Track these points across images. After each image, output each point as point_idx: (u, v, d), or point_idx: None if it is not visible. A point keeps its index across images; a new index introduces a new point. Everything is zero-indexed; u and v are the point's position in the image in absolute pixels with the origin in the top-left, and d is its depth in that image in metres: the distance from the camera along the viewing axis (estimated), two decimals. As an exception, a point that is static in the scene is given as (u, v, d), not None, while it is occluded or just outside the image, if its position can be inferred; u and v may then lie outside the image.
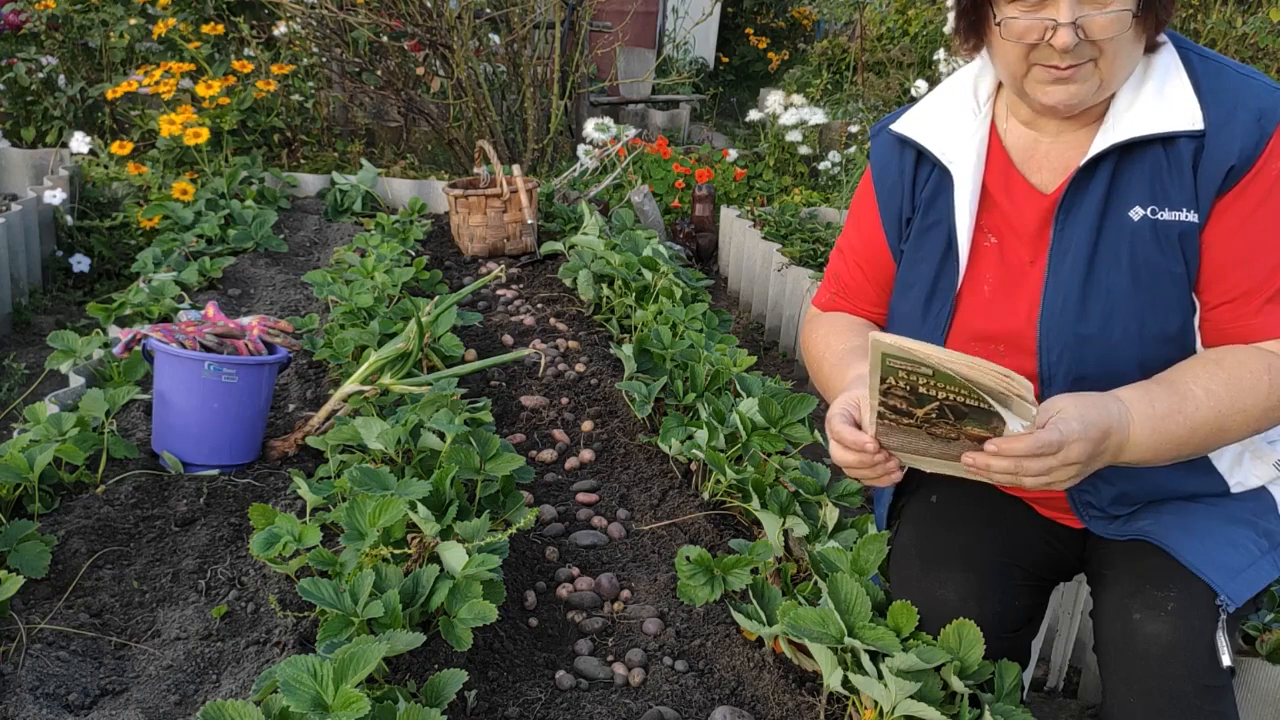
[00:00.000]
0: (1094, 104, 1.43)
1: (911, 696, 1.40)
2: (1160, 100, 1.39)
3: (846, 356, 1.62)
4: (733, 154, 5.42)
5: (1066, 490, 1.51)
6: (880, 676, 1.44)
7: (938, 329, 1.55)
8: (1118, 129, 1.41)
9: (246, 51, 5.33)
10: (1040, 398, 1.46)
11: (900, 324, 1.62)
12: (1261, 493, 1.50)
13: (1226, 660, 1.38)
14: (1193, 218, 1.39)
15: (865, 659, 1.49)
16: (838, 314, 1.76)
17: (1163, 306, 1.42)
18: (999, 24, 1.39)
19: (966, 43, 1.47)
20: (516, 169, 4.12)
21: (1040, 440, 1.25)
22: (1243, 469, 1.49)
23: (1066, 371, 1.45)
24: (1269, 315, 1.38)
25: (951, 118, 1.56)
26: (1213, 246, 1.40)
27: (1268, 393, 1.35)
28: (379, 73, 5.49)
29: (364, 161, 4.97)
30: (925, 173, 1.59)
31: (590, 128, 5.15)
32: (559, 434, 2.58)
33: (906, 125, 1.60)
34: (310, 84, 5.53)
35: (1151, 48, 1.41)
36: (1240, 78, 1.40)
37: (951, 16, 1.49)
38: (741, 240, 4.35)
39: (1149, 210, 1.41)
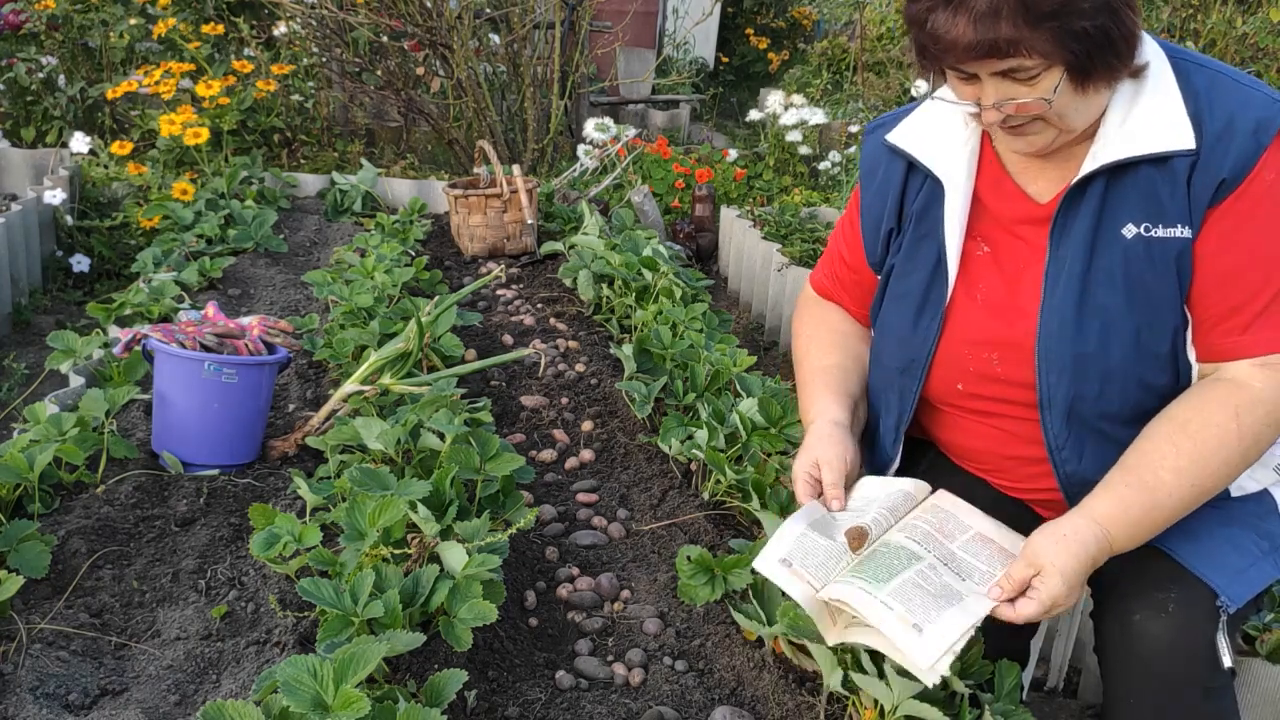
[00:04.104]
0: (1063, 144, 1.42)
1: (913, 696, 1.40)
2: (1149, 120, 1.37)
3: (820, 377, 1.70)
4: (733, 154, 5.42)
5: (1065, 496, 1.52)
6: (881, 676, 1.44)
7: (928, 340, 1.56)
8: (1107, 150, 1.39)
9: (246, 51, 5.33)
10: (1041, 422, 1.47)
11: (891, 335, 1.63)
12: (1262, 495, 1.50)
13: (1227, 661, 1.38)
14: (1186, 233, 1.38)
15: (865, 659, 1.49)
16: (829, 310, 1.80)
17: (1157, 324, 1.41)
18: (948, 89, 1.42)
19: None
20: (516, 169, 4.11)
21: (1027, 614, 1.33)
22: (1243, 474, 1.49)
23: (1065, 393, 1.45)
24: (1256, 333, 1.36)
25: (943, 128, 1.55)
26: (1203, 259, 1.38)
27: (1238, 439, 1.34)
28: (379, 73, 5.49)
29: (364, 161, 4.97)
30: (916, 184, 1.59)
31: (590, 128, 5.15)
32: (559, 434, 2.58)
33: (899, 136, 1.60)
34: (310, 84, 5.53)
35: (1134, 74, 1.38)
36: (1238, 87, 1.38)
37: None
38: (741, 240, 4.35)
39: (1142, 228, 1.40)
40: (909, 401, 1.61)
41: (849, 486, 1.58)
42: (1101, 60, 1.31)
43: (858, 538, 1.47)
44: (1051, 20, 1.26)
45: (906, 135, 1.59)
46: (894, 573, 1.39)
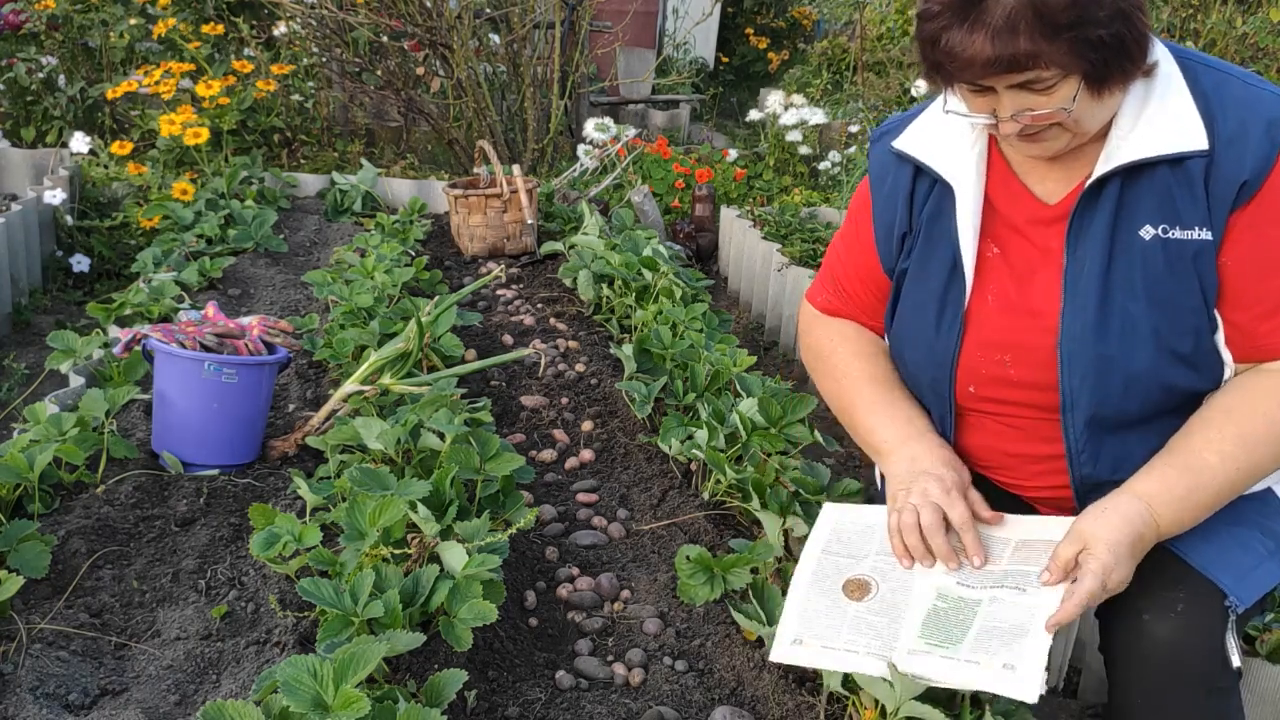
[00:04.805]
0: (1077, 145, 1.42)
1: (914, 697, 1.40)
2: (1162, 121, 1.37)
3: (883, 387, 1.64)
4: (733, 154, 5.42)
5: (1075, 495, 1.51)
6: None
7: (950, 344, 1.55)
8: (1120, 152, 1.39)
9: (246, 51, 5.33)
10: (1062, 425, 1.47)
11: (914, 343, 1.61)
12: (1268, 495, 1.50)
13: (1236, 661, 1.38)
14: (1206, 235, 1.38)
15: (865, 659, 1.49)
16: (846, 324, 1.75)
17: (1179, 326, 1.40)
18: (961, 101, 1.40)
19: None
20: (516, 169, 4.11)
21: (1086, 592, 1.31)
22: None
23: (1089, 396, 1.44)
24: None
25: (950, 132, 1.54)
26: (1233, 263, 1.38)
27: None
28: (379, 73, 5.49)
29: (364, 161, 4.97)
30: (924, 188, 1.58)
31: (590, 128, 5.14)
32: (559, 434, 2.58)
33: (906, 142, 1.58)
34: (310, 84, 5.53)
35: (1146, 73, 1.38)
36: (1247, 88, 1.38)
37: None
38: (741, 240, 4.35)
39: (1160, 229, 1.40)
40: (947, 407, 1.60)
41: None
42: (1117, 66, 1.31)
43: (858, 590, 1.48)
44: (1069, 31, 1.26)
45: (913, 141, 1.58)
46: (964, 628, 1.38)
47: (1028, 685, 1.30)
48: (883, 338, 1.74)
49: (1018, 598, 1.38)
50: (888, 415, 1.61)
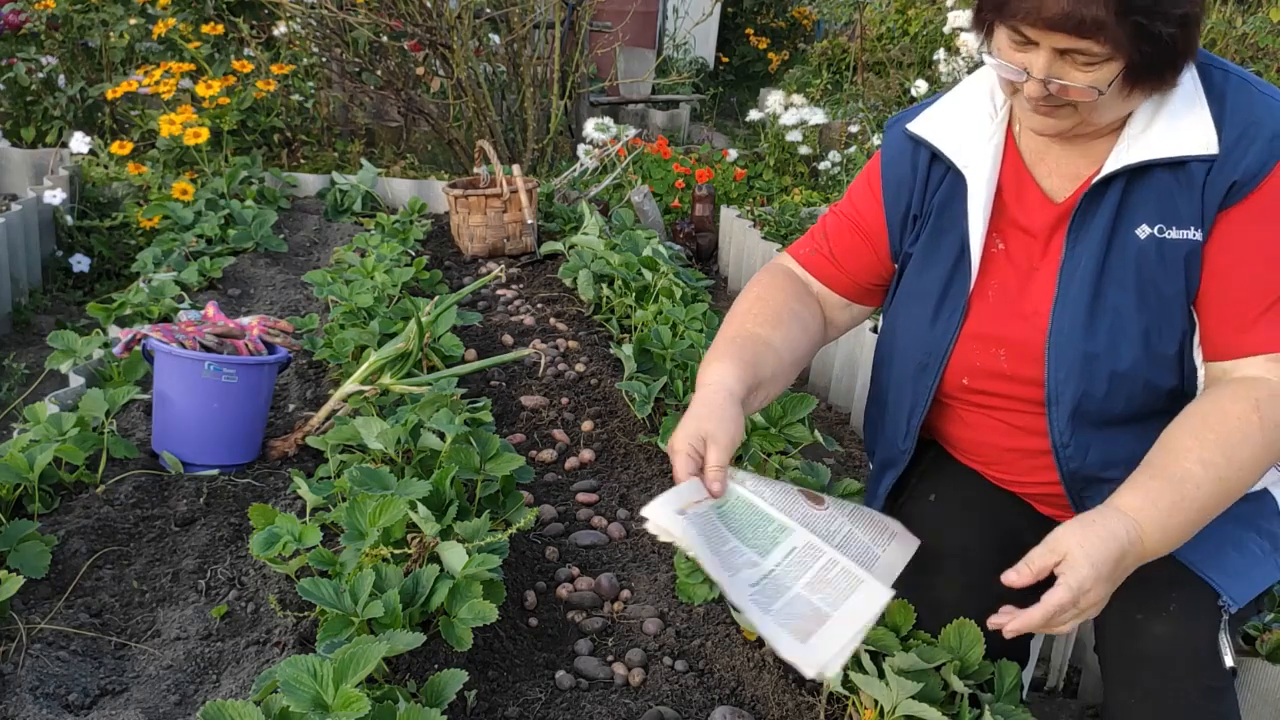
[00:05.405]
0: (1081, 133, 1.42)
1: (912, 696, 1.40)
2: (1177, 125, 1.38)
3: (742, 343, 1.54)
4: (733, 154, 5.42)
5: (1067, 492, 1.52)
6: (881, 676, 1.44)
7: (946, 334, 1.55)
8: (1131, 150, 1.39)
9: (246, 51, 5.33)
10: (1047, 418, 1.46)
11: (908, 331, 1.61)
12: (1263, 495, 1.50)
13: (1229, 661, 1.38)
14: (1198, 235, 1.38)
15: (865, 658, 1.49)
16: (795, 275, 1.70)
17: (1166, 326, 1.41)
18: (993, 50, 1.40)
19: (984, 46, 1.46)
20: (516, 169, 4.11)
21: (1055, 603, 1.24)
22: None
23: (1073, 392, 1.44)
24: (1261, 331, 1.36)
25: (968, 120, 1.54)
26: (1212, 260, 1.39)
27: (1261, 429, 1.31)
28: (379, 73, 5.49)
29: (364, 161, 4.97)
30: (939, 174, 1.58)
31: (590, 128, 5.15)
32: (559, 434, 2.58)
33: (922, 126, 1.58)
34: (310, 84, 5.53)
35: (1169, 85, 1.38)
36: (1260, 96, 1.39)
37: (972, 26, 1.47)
38: (741, 240, 4.36)
39: (1156, 229, 1.40)
40: (923, 396, 1.59)
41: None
42: (1158, 70, 1.32)
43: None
44: (1140, 15, 1.26)
45: (928, 125, 1.58)
46: (784, 592, 1.32)
47: (813, 659, 1.23)
48: (847, 303, 1.71)
49: (852, 572, 1.33)
50: (721, 358, 1.52)
